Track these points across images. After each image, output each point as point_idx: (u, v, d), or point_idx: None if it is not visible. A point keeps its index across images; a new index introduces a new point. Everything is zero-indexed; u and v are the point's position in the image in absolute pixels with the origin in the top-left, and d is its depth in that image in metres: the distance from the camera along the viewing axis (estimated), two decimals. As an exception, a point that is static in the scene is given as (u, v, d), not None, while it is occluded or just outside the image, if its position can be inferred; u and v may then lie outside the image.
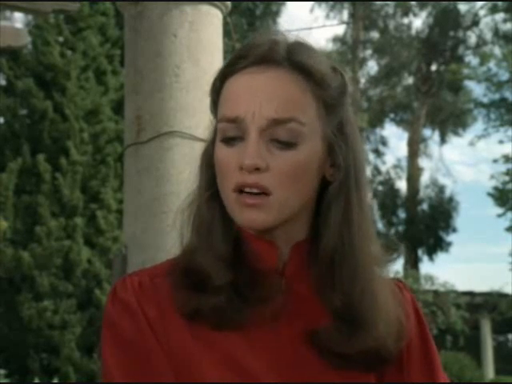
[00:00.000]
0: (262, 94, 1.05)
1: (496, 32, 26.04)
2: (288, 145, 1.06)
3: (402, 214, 27.49)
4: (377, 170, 27.37)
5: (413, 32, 28.19)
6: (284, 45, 1.09)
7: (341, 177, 1.11)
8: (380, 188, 27.72)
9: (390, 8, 27.75)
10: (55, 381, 10.58)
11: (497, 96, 22.06)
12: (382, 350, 1.10)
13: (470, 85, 27.21)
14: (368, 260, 1.11)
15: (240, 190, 1.06)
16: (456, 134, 28.77)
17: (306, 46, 1.12)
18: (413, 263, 24.60)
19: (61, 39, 13.55)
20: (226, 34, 3.16)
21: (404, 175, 28.05)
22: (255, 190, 1.05)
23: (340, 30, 28.45)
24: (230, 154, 1.07)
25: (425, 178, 28.55)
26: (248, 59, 1.08)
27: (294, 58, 1.08)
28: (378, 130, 28.69)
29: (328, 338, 1.08)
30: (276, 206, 1.06)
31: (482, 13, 26.11)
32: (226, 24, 3.07)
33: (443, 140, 28.93)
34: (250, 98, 1.06)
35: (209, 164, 1.15)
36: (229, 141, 1.08)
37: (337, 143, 1.10)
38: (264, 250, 1.12)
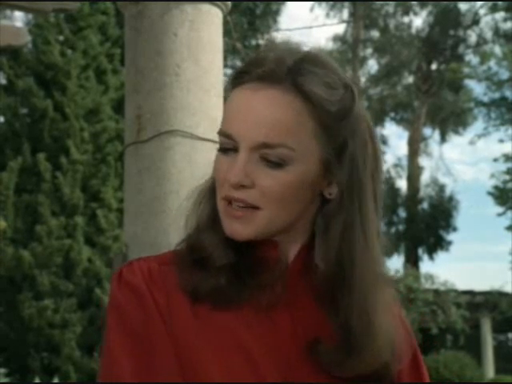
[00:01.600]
0: (253, 116, 1.06)
1: (496, 31, 26.05)
2: (276, 164, 1.07)
3: (402, 213, 27.51)
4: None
5: (413, 31, 28.19)
6: (288, 63, 1.07)
7: (338, 199, 1.11)
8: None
9: (390, 7, 27.75)
10: (56, 380, 10.59)
11: (497, 95, 22.09)
12: (381, 370, 1.11)
13: (471, 84, 27.21)
14: (370, 280, 1.11)
15: (229, 201, 1.09)
16: (456, 133, 28.79)
17: (313, 65, 1.09)
18: (413, 262, 24.61)
19: (61, 38, 13.56)
20: (227, 33, 3.17)
21: (404, 174, 28.07)
22: (241, 205, 1.08)
23: (340, 28, 28.51)
24: (223, 162, 1.10)
25: (425, 177, 28.58)
26: (250, 74, 1.08)
27: (294, 79, 1.07)
28: (378, 129, 28.72)
29: (327, 360, 1.08)
30: (262, 221, 1.08)
31: (482, 12, 26.13)
32: (226, 23, 3.07)
33: (443, 139, 28.95)
34: (242, 118, 1.07)
35: None
36: (225, 151, 1.10)
37: (334, 164, 1.10)
38: (267, 252, 1.13)
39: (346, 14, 27.70)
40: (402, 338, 1.13)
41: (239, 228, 1.08)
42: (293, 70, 1.07)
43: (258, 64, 1.08)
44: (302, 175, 1.08)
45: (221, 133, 1.10)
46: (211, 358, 1.06)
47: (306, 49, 1.12)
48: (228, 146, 1.09)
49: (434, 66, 28.06)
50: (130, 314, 1.09)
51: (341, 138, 1.10)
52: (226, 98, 1.15)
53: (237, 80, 1.10)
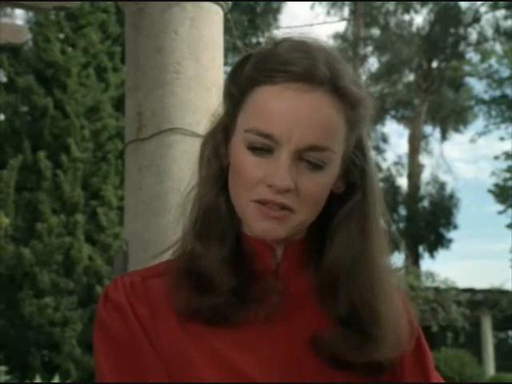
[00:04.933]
0: (303, 118, 1.03)
1: (497, 29, 26.02)
2: (316, 166, 1.05)
3: (402, 211, 27.50)
4: (377, 167, 27.32)
5: (414, 29, 28.18)
6: (323, 61, 1.06)
7: (357, 197, 1.12)
8: (381, 185, 27.68)
9: (390, 5, 27.73)
10: (56, 377, 10.59)
11: (498, 93, 22.07)
12: (387, 362, 1.11)
13: (471, 82, 27.29)
14: (379, 273, 1.12)
15: (262, 202, 1.06)
16: (457, 130, 28.77)
17: (339, 63, 1.08)
18: (413, 260, 24.61)
19: (61, 36, 13.55)
20: (227, 30, 3.16)
21: (405, 172, 28.07)
22: (278, 207, 1.05)
23: (341, 26, 28.48)
24: (256, 164, 1.06)
25: (425, 175, 28.58)
26: (289, 74, 1.04)
27: (336, 81, 1.06)
28: (378, 127, 28.71)
29: (334, 346, 1.08)
30: (296, 223, 1.07)
31: (482, 10, 26.10)
32: (226, 21, 3.07)
33: (444, 137, 28.94)
34: (290, 119, 1.03)
35: (217, 154, 1.14)
36: (255, 150, 1.06)
37: (354, 160, 1.11)
38: (260, 251, 1.12)
39: (346, 11, 27.70)
40: (405, 324, 1.13)
41: (274, 228, 1.06)
42: (332, 71, 1.06)
43: (290, 62, 1.05)
44: (333, 175, 1.09)
45: (254, 131, 1.06)
46: (202, 373, 1.05)
47: (319, 44, 1.10)
48: (260, 146, 1.05)
49: (434, 64, 28.05)
50: (115, 331, 1.08)
51: (359, 133, 1.12)
52: (240, 92, 1.09)
53: (268, 78, 1.06)
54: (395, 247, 1.19)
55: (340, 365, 1.08)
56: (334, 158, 1.07)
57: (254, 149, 1.06)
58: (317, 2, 27.37)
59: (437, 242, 26.88)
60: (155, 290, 1.10)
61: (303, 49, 1.07)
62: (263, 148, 1.05)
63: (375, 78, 28.56)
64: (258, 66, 1.08)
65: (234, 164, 1.09)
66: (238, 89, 1.10)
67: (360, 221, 1.11)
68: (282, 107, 1.04)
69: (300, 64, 1.04)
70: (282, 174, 1.03)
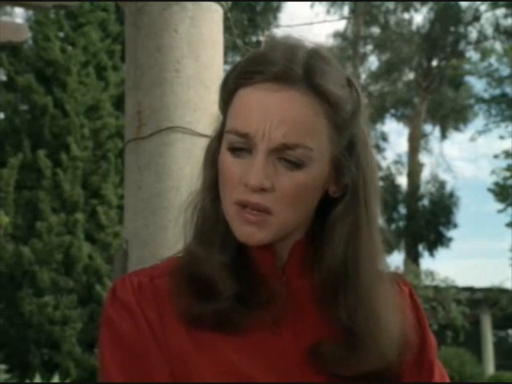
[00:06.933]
0: (273, 116, 1.04)
1: (497, 27, 26.01)
2: (295, 165, 1.05)
3: (402, 210, 27.51)
4: (377, 166, 27.29)
5: (413, 27, 28.18)
6: (301, 61, 1.06)
7: (347, 198, 1.11)
8: (381, 184, 27.66)
9: (390, 4, 27.73)
10: (56, 376, 10.59)
11: (497, 91, 22.07)
12: (386, 370, 1.10)
13: (471, 80, 27.27)
14: (374, 278, 1.11)
15: (243, 205, 1.06)
16: (457, 129, 28.79)
17: (323, 63, 1.08)
18: (413, 259, 24.61)
19: (61, 35, 13.55)
20: (227, 29, 3.16)
21: (404, 171, 28.08)
22: (255, 209, 1.05)
23: (341, 25, 28.47)
24: (235, 165, 1.07)
25: (425, 174, 28.60)
26: (264, 75, 1.05)
27: (311, 80, 1.05)
28: (378, 126, 28.71)
29: (330, 359, 1.07)
30: (276, 225, 1.07)
31: (482, 8, 26.10)
32: (226, 19, 3.07)
33: (444, 136, 28.95)
34: (261, 117, 1.04)
35: (213, 161, 1.14)
36: (235, 151, 1.07)
37: (344, 164, 1.10)
38: (262, 254, 1.12)
39: (346, 10, 27.69)
40: (408, 329, 1.13)
41: (254, 232, 1.06)
42: (307, 70, 1.05)
43: (268, 63, 1.06)
44: (317, 176, 1.08)
45: (233, 131, 1.07)
46: (209, 379, 1.05)
47: (310, 45, 1.10)
48: (240, 146, 1.06)
49: (434, 63, 28.06)
50: (122, 330, 1.08)
51: (350, 136, 1.10)
52: (228, 95, 1.11)
53: (247, 80, 1.07)
54: (391, 248, 1.19)
55: (339, 376, 1.08)
56: (314, 157, 1.06)
57: (234, 149, 1.07)
58: (316, 1, 27.36)
59: (436, 241, 26.89)
60: (163, 291, 1.10)
61: (284, 49, 1.07)
62: (243, 148, 1.06)
63: (375, 76, 28.56)
64: (241, 69, 1.09)
65: (219, 167, 1.10)
66: (226, 94, 1.12)
67: (350, 224, 1.10)
68: (254, 106, 1.05)
69: (276, 64, 1.05)
70: (255, 172, 1.04)
